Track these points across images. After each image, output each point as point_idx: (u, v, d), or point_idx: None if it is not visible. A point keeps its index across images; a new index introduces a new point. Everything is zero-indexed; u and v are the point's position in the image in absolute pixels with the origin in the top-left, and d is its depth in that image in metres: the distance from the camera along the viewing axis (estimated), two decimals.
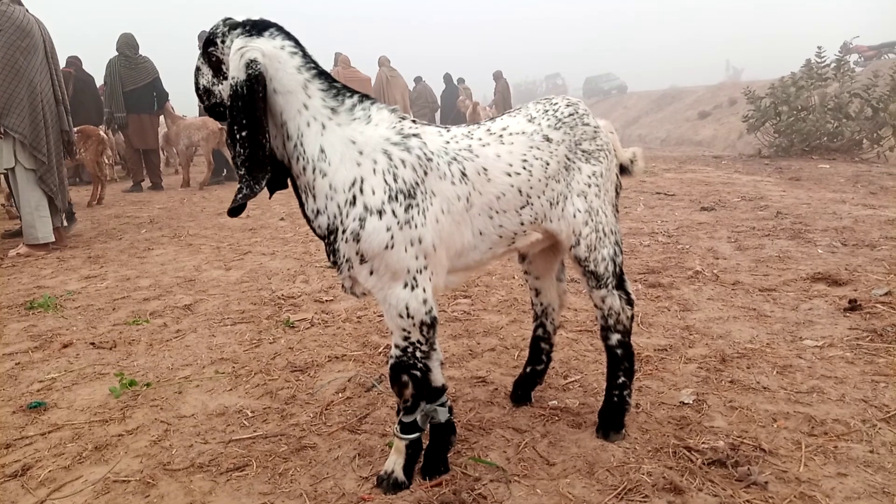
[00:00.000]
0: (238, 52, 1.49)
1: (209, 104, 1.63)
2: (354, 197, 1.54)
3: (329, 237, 1.60)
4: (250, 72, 1.47)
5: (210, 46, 1.55)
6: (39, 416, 2.32)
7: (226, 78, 1.53)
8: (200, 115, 9.86)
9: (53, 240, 5.31)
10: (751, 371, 2.37)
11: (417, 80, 17.19)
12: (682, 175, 8.17)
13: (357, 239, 1.54)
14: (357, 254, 1.57)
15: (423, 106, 16.77)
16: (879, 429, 1.92)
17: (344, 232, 1.56)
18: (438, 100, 17.67)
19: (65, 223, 5.60)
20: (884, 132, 9.51)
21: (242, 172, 1.51)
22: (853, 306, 2.90)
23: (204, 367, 2.72)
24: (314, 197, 1.58)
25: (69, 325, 3.36)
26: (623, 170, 2.02)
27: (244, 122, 1.47)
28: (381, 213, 1.54)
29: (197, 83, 1.62)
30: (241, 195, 1.51)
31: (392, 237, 1.54)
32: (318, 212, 1.59)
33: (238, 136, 1.48)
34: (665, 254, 4.15)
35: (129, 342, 3.05)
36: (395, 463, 1.76)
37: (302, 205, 1.63)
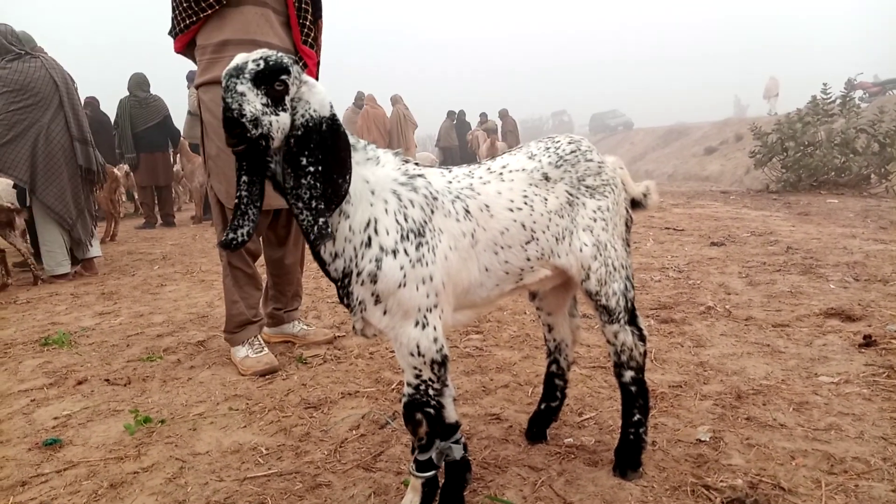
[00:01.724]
0: (320, 89, 1.52)
1: (253, 136, 1.44)
2: (370, 238, 1.56)
3: (343, 280, 1.60)
4: (333, 113, 1.52)
5: (282, 75, 1.47)
6: (55, 453, 2.33)
7: (285, 110, 1.48)
8: None
9: (66, 271, 5.75)
10: (767, 408, 2.35)
11: (450, 114, 18.37)
12: (690, 210, 8.19)
13: (374, 280, 1.56)
14: (372, 295, 1.58)
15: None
16: None
17: (359, 274, 1.57)
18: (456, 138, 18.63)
19: (89, 253, 5.99)
20: (891, 167, 9.54)
21: (313, 205, 1.46)
22: (868, 342, 2.89)
23: (218, 403, 2.72)
24: (334, 240, 1.58)
25: (84, 361, 3.38)
26: (636, 204, 2.04)
27: (321, 157, 1.48)
28: (395, 252, 1.56)
29: (241, 111, 1.42)
30: (318, 231, 1.46)
31: (405, 276, 1.56)
32: (335, 255, 1.59)
33: (309, 170, 1.47)
34: (676, 289, 4.15)
35: (144, 379, 3.06)
36: (411, 501, 1.75)
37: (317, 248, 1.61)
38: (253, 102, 1.43)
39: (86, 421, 2.59)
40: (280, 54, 1.50)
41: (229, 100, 1.42)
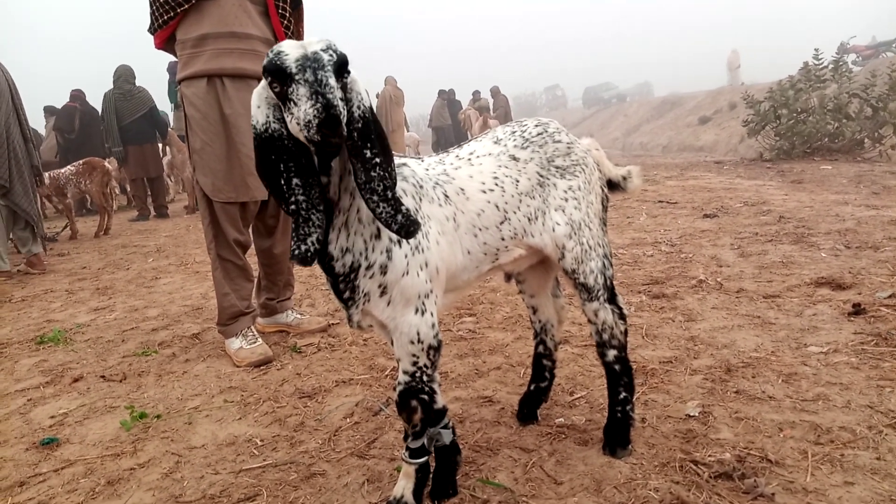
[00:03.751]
0: (357, 75, 1.46)
1: (343, 131, 1.33)
2: (379, 229, 1.55)
3: (349, 275, 1.57)
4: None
5: (348, 66, 1.41)
6: (52, 452, 2.35)
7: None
8: None
9: (7, 268, 5.86)
10: (756, 380, 2.37)
11: (441, 93, 18.84)
12: (684, 182, 8.18)
13: (384, 271, 1.56)
14: (379, 286, 1.57)
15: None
16: (886, 435, 1.91)
17: (370, 267, 1.55)
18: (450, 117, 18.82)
19: (45, 249, 6.27)
20: (885, 131, 9.50)
21: (389, 195, 1.43)
22: (857, 310, 2.90)
23: (213, 396, 2.74)
24: (348, 234, 1.55)
25: (79, 358, 3.40)
26: (616, 186, 2.05)
27: (379, 145, 1.44)
28: (399, 241, 1.57)
29: (339, 107, 1.30)
30: (404, 221, 1.44)
31: (408, 263, 1.57)
32: (346, 250, 1.55)
33: (375, 161, 1.42)
34: (668, 263, 4.16)
35: (139, 374, 3.08)
36: (404, 488, 1.77)
37: (326, 243, 1.54)
38: (338, 95, 1.33)
39: (82, 419, 2.61)
40: (332, 41, 1.42)
41: (330, 96, 1.27)
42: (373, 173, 1.41)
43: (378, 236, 1.55)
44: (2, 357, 3.53)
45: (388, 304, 1.60)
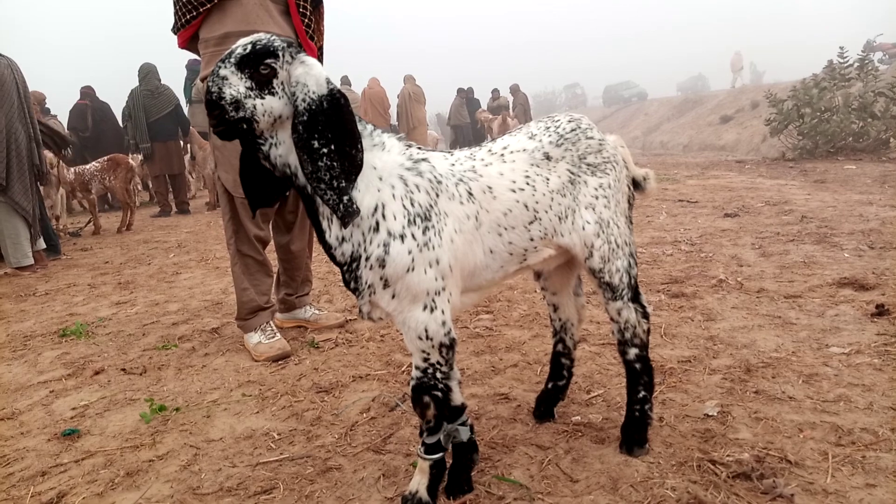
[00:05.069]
0: (315, 68, 1.51)
1: (233, 118, 1.49)
2: (378, 223, 1.57)
3: (351, 264, 1.61)
4: (332, 87, 1.51)
5: (267, 58, 1.49)
6: (73, 443, 2.38)
7: (272, 94, 1.50)
8: None
9: (31, 262, 5.94)
10: (776, 381, 2.34)
11: (460, 91, 18.83)
12: (704, 181, 8.11)
13: (382, 265, 1.57)
14: (381, 279, 1.59)
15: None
16: None
17: (368, 259, 1.57)
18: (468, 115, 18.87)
19: (43, 246, 6.28)
20: None
21: (335, 184, 1.47)
22: (881, 311, 2.85)
23: (231, 390, 2.76)
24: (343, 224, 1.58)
25: (101, 351, 3.44)
26: (636, 185, 2.03)
27: (330, 135, 1.48)
28: (402, 237, 1.57)
29: (220, 94, 1.47)
30: (345, 209, 1.48)
31: (413, 260, 1.57)
32: (342, 239, 1.59)
33: (323, 151, 1.47)
34: (688, 262, 4.12)
35: (159, 367, 3.12)
36: (419, 483, 1.77)
37: (322, 232, 1.62)
38: (235, 86, 1.48)
39: (103, 410, 2.65)
40: (272, 37, 1.52)
41: (210, 83, 1.47)
42: (320, 163, 1.47)
43: (377, 229, 1.57)
44: (25, 349, 3.59)
45: (393, 297, 1.61)
